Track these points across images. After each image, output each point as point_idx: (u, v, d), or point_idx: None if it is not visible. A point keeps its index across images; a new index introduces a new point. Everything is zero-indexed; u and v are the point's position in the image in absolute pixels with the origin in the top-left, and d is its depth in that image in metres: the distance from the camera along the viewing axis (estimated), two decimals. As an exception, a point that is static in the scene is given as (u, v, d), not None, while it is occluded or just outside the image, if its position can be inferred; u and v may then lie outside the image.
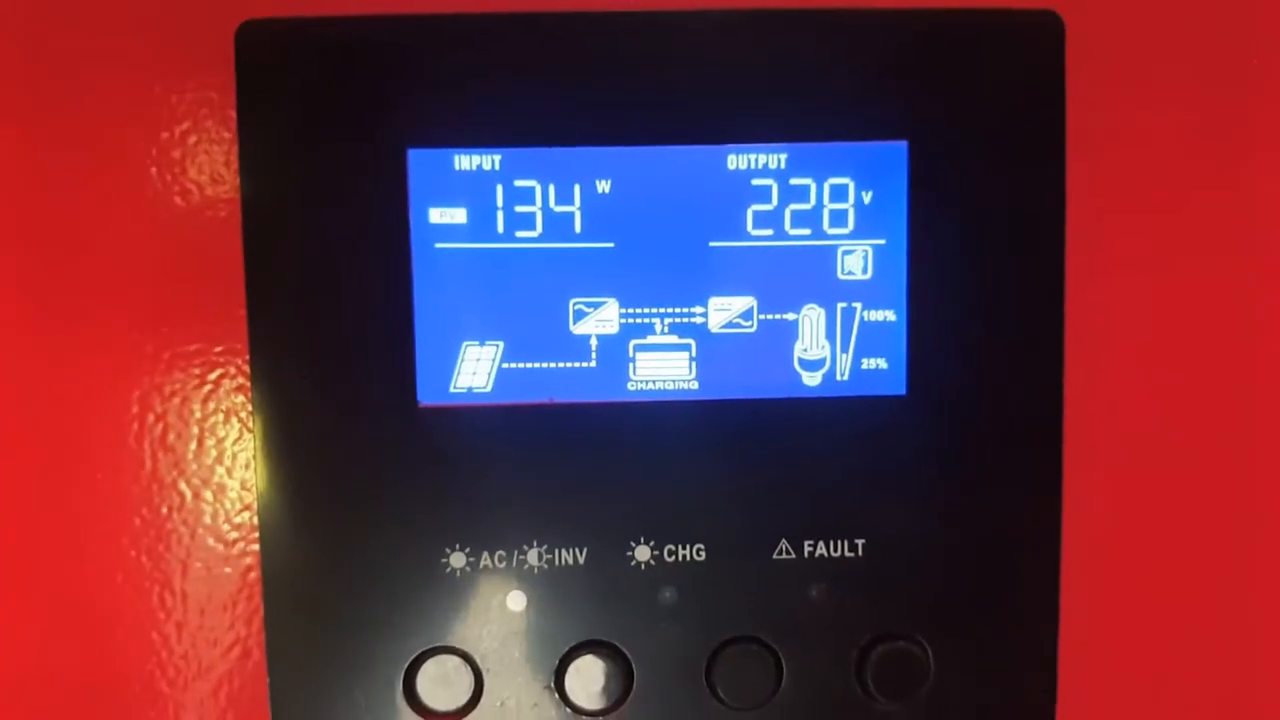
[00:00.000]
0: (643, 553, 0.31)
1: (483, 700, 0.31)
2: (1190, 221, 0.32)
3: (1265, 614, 0.33)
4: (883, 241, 0.31)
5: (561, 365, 0.31)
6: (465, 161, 0.30)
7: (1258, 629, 0.33)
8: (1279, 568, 0.33)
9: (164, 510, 0.31)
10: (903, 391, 0.31)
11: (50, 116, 0.30)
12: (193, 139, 0.31)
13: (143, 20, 0.31)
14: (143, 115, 0.30)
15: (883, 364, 0.31)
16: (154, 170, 0.31)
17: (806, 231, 0.31)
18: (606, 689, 0.31)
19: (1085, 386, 0.32)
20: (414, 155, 0.30)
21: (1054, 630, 0.32)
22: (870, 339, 0.31)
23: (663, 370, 0.31)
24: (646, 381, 0.31)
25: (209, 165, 0.31)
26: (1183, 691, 0.33)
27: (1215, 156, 0.32)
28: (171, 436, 0.31)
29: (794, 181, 0.31)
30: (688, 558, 0.31)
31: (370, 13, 0.30)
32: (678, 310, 0.31)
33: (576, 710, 0.31)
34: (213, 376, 0.31)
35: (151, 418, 0.31)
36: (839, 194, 0.31)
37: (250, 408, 0.31)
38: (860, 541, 0.31)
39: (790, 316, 0.31)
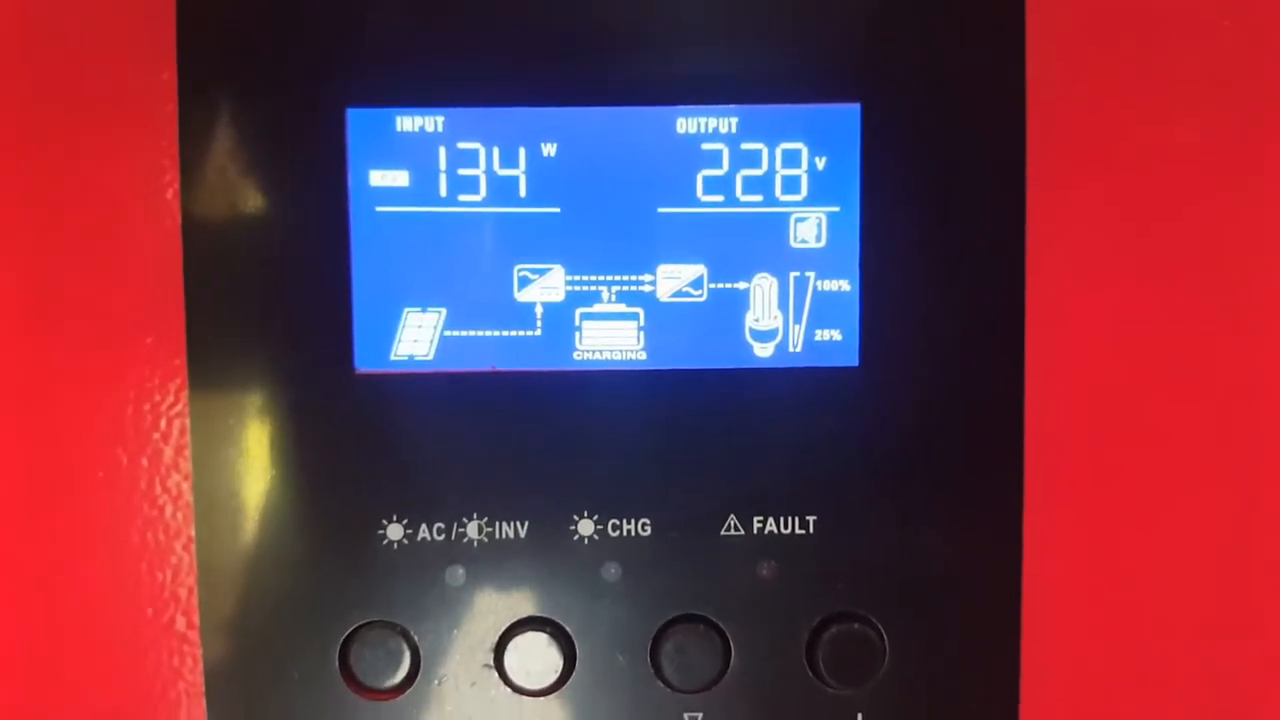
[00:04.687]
0: (586, 527, 0.30)
1: (420, 677, 0.30)
2: (1155, 186, 0.31)
3: (1234, 604, 0.32)
4: (837, 209, 0.30)
5: (506, 334, 0.30)
6: (407, 122, 0.30)
7: (1228, 619, 0.32)
8: (1247, 557, 0.32)
9: (100, 475, 0.31)
10: (855, 363, 0.30)
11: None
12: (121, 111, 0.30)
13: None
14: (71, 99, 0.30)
15: (837, 335, 0.30)
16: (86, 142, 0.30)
17: (758, 198, 0.30)
18: (547, 668, 0.30)
19: (1045, 357, 0.30)
20: (354, 115, 0.29)
21: (1016, 610, 0.31)
22: (824, 309, 0.30)
23: (610, 340, 0.30)
24: (593, 351, 0.30)
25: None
26: (1149, 675, 0.32)
27: (1182, 120, 0.31)
28: (108, 401, 0.31)
29: (745, 146, 0.30)
30: (632, 533, 0.30)
31: (311, -30, 0.29)
32: (625, 278, 0.30)
33: (516, 689, 0.30)
34: (148, 340, 0.30)
35: (88, 382, 0.31)
36: (791, 159, 0.30)
37: (186, 373, 0.30)
38: (812, 518, 0.30)
39: (741, 285, 0.30)
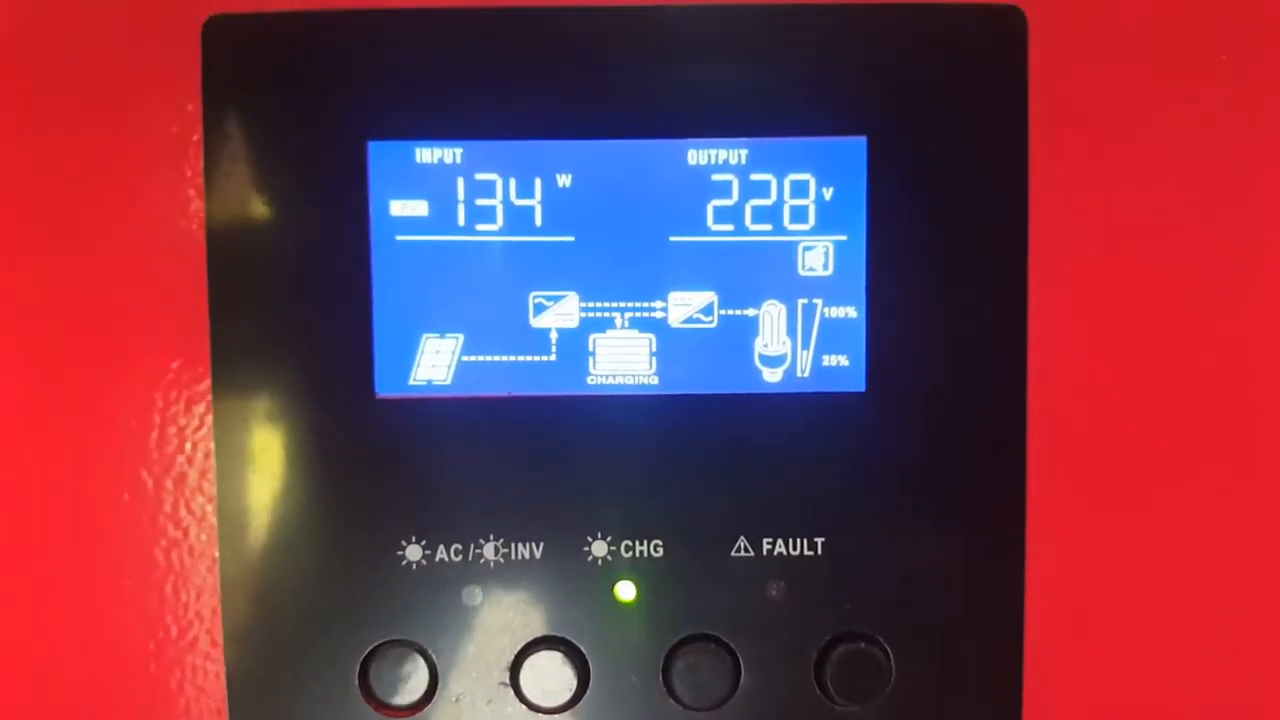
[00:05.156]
0: (599, 548, 0.31)
1: (437, 695, 0.31)
2: (1156, 220, 0.31)
3: (1237, 617, 0.32)
4: (844, 238, 0.31)
5: (521, 359, 0.31)
6: (427, 154, 0.31)
7: (1231, 633, 0.32)
8: (1253, 574, 0.32)
9: (125, 497, 0.31)
10: (862, 388, 0.31)
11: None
12: (147, 141, 0.31)
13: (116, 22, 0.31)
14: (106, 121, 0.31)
15: (844, 361, 0.31)
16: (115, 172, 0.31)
17: (767, 227, 0.31)
18: (562, 686, 0.31)
19: (1049, 383, 0.31)
20: (375, 147, 0.30)
21: (1019, 631, 0.31)
22: (831, 335, 0.31)
23: (623, 364, 0.31)
24: (606, 375, 0.31)
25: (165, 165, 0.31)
26: (1154, 698, 0.32)
27: (1183, 144, 0.31)
28: (134, 424, 0.31)
29: (755, 177, 0.31)
30: (645, 554, 0.31)
31: (334, 7, 0.30)
32: (638, 305, 0.31)
33: (532, 707, 0.31)
34: (174, 365, 0.31)
35: (114, 405, 0.31)
36: (800, 190, 0.31)
37: (210, 397, 0.31)
38: (820, 540, 0.31)
39: (751, 312, 0.31)
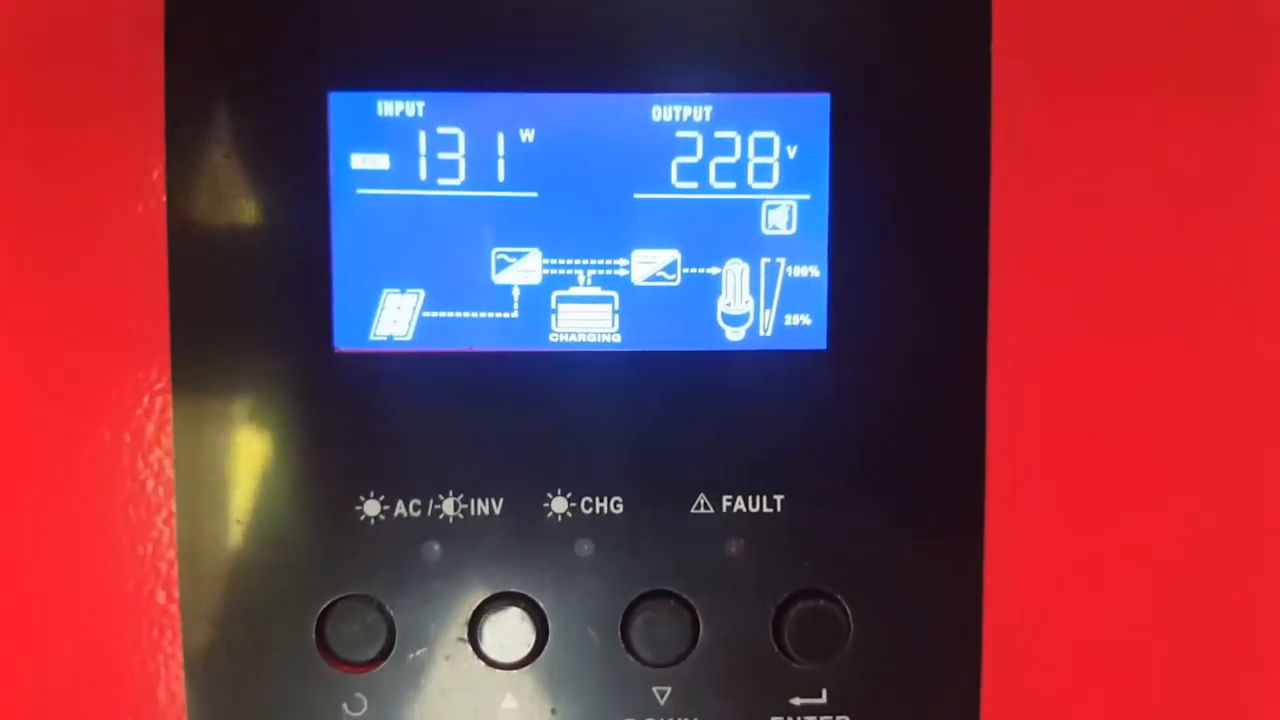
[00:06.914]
0: (559, 504, 0.31)
1: (395, 650, 0.31)
2: (1118, 176, 0.32)
3: (1194, 596, 0.33)
4: (807, 196, 0.31)
5: (483, 315, 0.31)
6: (388, 107, 0.30)
7: (1190, 604, 0.33)
8: (1202, 546, 0.33)
9: (82, 451, 0.31)
10: (824, 346, 0.31)
11: None
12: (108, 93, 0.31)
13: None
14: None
15: (806, 320, 0.31)
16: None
17: (731, 185, 0.31)
18: (520, 642, 0.31)
19: (1009, 341, 0.31)
20: (335, 99, 0.30)
21: (979, 588, 0.31)
22: (794, 294, 0.31)
23: (585, 322, 0.31)
24: (568, 333, 0.31)
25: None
26: (1110, 651, 0.33)
27: (1146, 111, 0.31)
28: (90, 378, 0.31)
29: (719, 134, 0.31)
30: (605, 510, 0.31)
31: (295, -45, 0.30)
32: (601, 262, 0.31)
33: (490, 663, 0.31)
34: (132, 318, 0.31)
35: (70, 358, 0.31)
36: (764, 147, 0.31)
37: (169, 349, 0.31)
38: (779, 497, 0.31)
39: (714, 271, 0.31)
